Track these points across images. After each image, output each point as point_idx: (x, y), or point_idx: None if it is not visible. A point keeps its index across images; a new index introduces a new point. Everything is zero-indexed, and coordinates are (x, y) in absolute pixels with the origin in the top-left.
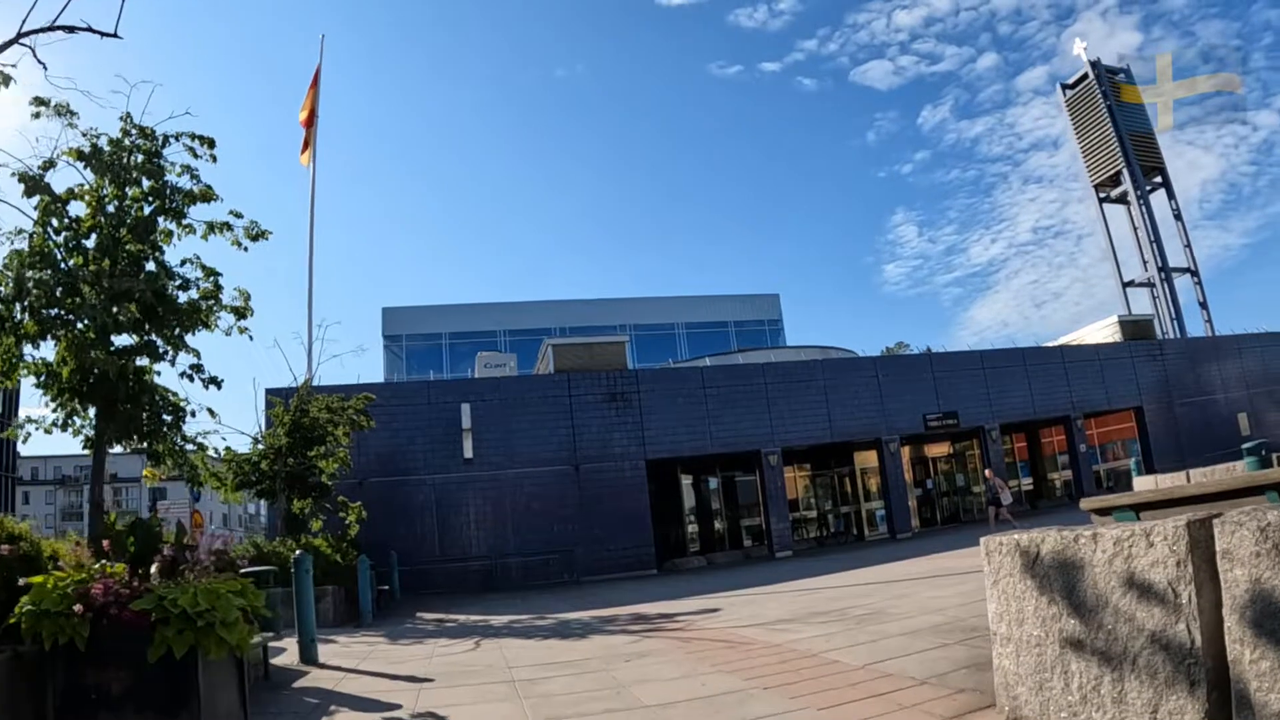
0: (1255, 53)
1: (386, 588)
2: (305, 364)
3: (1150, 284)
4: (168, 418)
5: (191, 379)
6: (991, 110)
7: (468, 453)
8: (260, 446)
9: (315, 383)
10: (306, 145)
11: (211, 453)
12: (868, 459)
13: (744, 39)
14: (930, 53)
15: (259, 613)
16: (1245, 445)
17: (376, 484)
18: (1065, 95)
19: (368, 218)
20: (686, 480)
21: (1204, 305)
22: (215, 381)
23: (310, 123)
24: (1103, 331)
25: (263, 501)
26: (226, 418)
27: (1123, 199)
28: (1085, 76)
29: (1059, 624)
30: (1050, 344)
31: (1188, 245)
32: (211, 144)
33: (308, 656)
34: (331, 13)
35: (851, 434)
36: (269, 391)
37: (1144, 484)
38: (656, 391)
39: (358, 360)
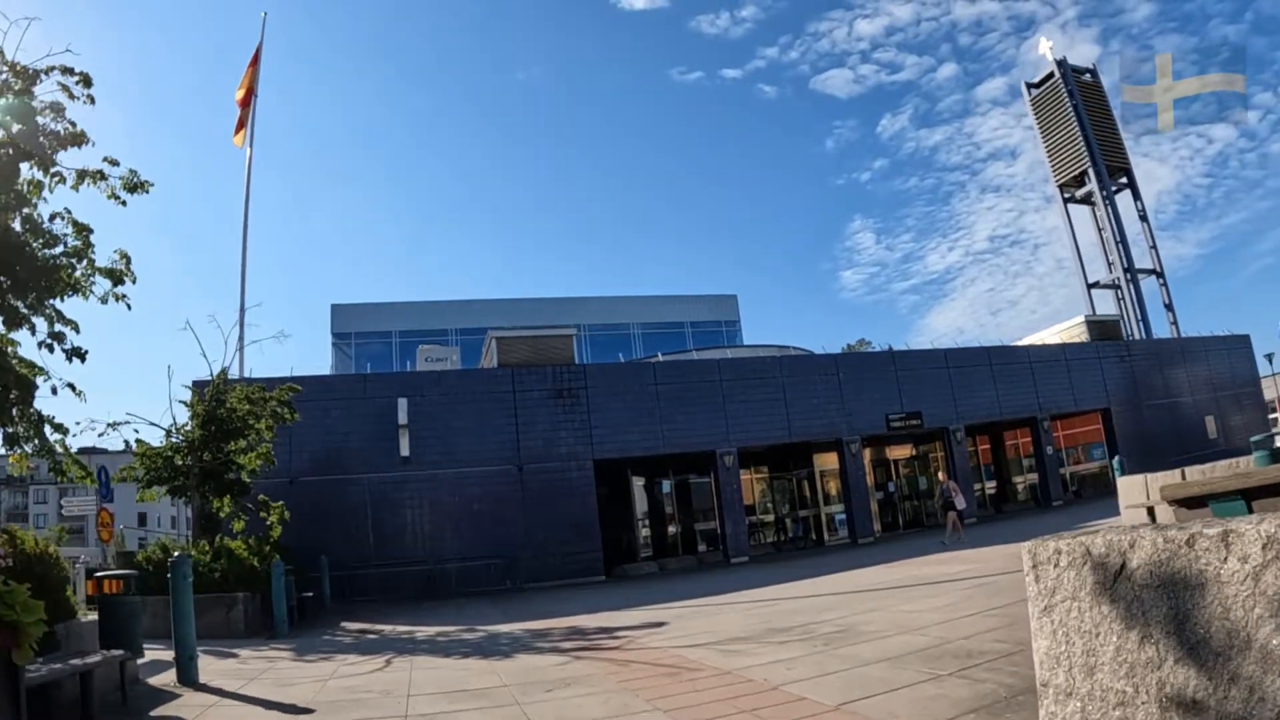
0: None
1: (311, 594)
2: (234, 352)
3: (1115, 285)
4: (15, 392)
5: (51, 349)
6: (950, 120)
7: (404, 451)
8: (174, 439)
9: (248, 376)
10: (241, 126)
11: (122, 444)
12: (828, 461)
13: (706, 45)
14: (891, 62)
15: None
16: (1253, 439)
17: (309, 484)
18: (1030, 94)
19: (319, 214)
20: (638, 482)
21: (1169, 307)
22: (79, 354)
23: (247, 102)
24: (1069, 332)
25: (180, 500)
26: (150, 410)
27: (1088, 199)
28: (1051, 75)
29: (1159, 673)
30: (1017, 343)
31: (1153, 246)
32: (88, 82)
33: (186, 677)
34: (285, 4)
35: (811, 434)
36: (196, 384)
37: (1130, 485)
38: (605, 388)
39: (295, 356)
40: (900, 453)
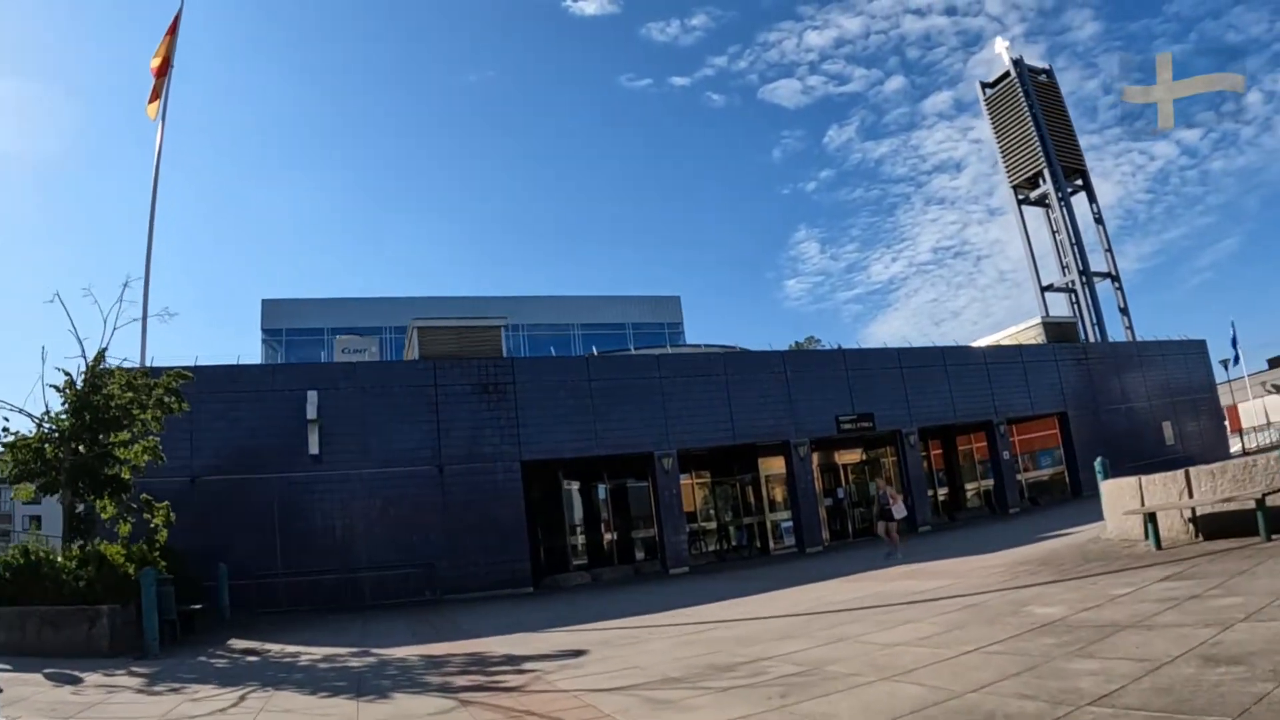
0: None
1: (200, 606)
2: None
3: (1069, 289)
4: None
5: None
6: (896, 132)
7: (313, 448)
8: (44, 428)
9: (150, 364)
10: (156, 96)
11: None
12: (774, 465)
13: (655, 53)
14: (839, 73)
15: None
16: None
17: (213, 483)
18: (985, 94)
19: (255, 208)
20: (571, 486)
21: (1125, 311)
22: None
23: (163, 72)
24: (1025, 334)
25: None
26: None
27: (1042, 201)
28: (1006, 75)
29: None
30: (973, 344)
31: (1109, 249)
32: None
33: None
34: None
35: (757, 436)
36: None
37: (1119, 489)
38: (535, 384)
39: (224, 352)
40: (850, 457)
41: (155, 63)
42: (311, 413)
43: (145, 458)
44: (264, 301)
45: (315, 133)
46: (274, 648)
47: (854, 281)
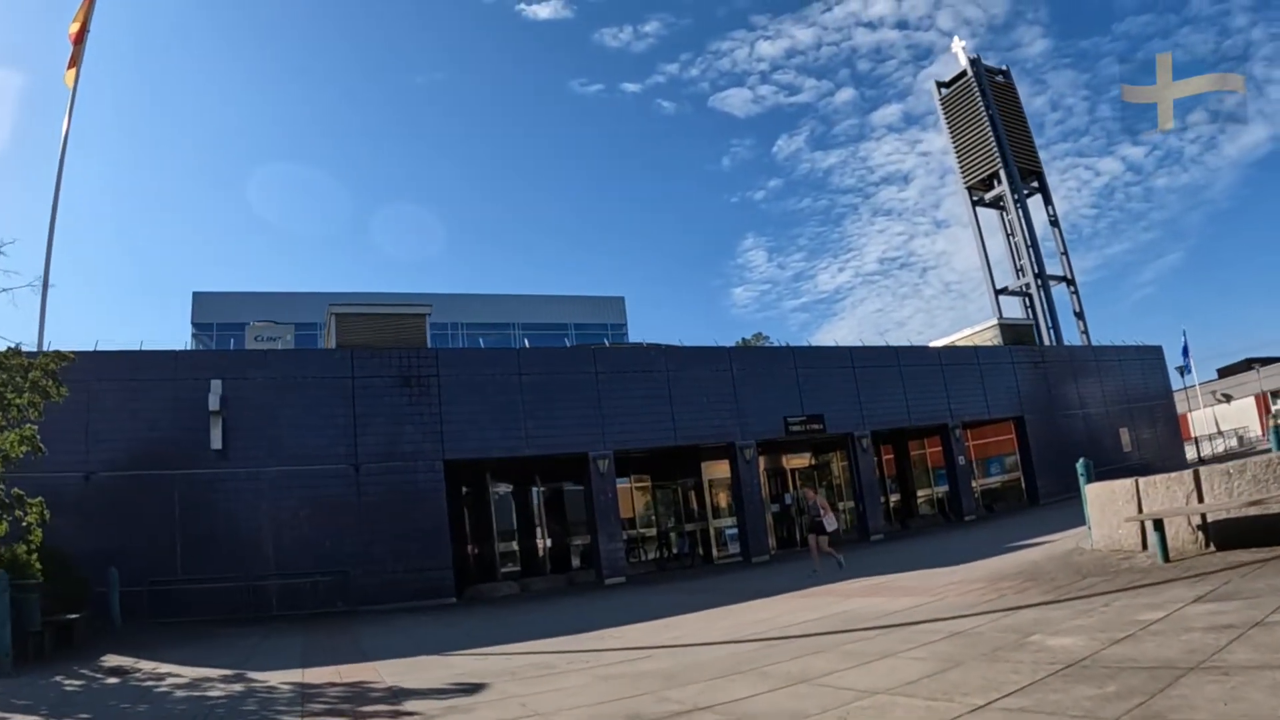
0: (1101, 105)
1: (77, 616)
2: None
3: (1024, 292)
4: None
5: None
6: (846, 143)
7: (215, 443)
8: None
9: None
10: (74, 62)
11: None
12: (718, 469)
13: (608, 58)
14: (790, 84)
15: None
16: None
17: (109, 480)
18: (940, 93)
19: (190, 200)
20: (500, 489)
21: (1080, 315)
22: None
23: (80, 39)
24: (981, 335)
25: None
26: None
27: (997, 203)
28: (963, 74)
29: None
30: (929, 344)
31: (1064, 252)
32: None
33: None
34: None
35: (700, 437)
36: None
37: (1111, 494)
38: (462, 377)
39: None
40: (799, 462)
41: (74, 28)
42: (214, 404)
43: (22, 448)
44: (195, 294)
45: (262, 132)
46: (147, 666)
47: (801, 290)
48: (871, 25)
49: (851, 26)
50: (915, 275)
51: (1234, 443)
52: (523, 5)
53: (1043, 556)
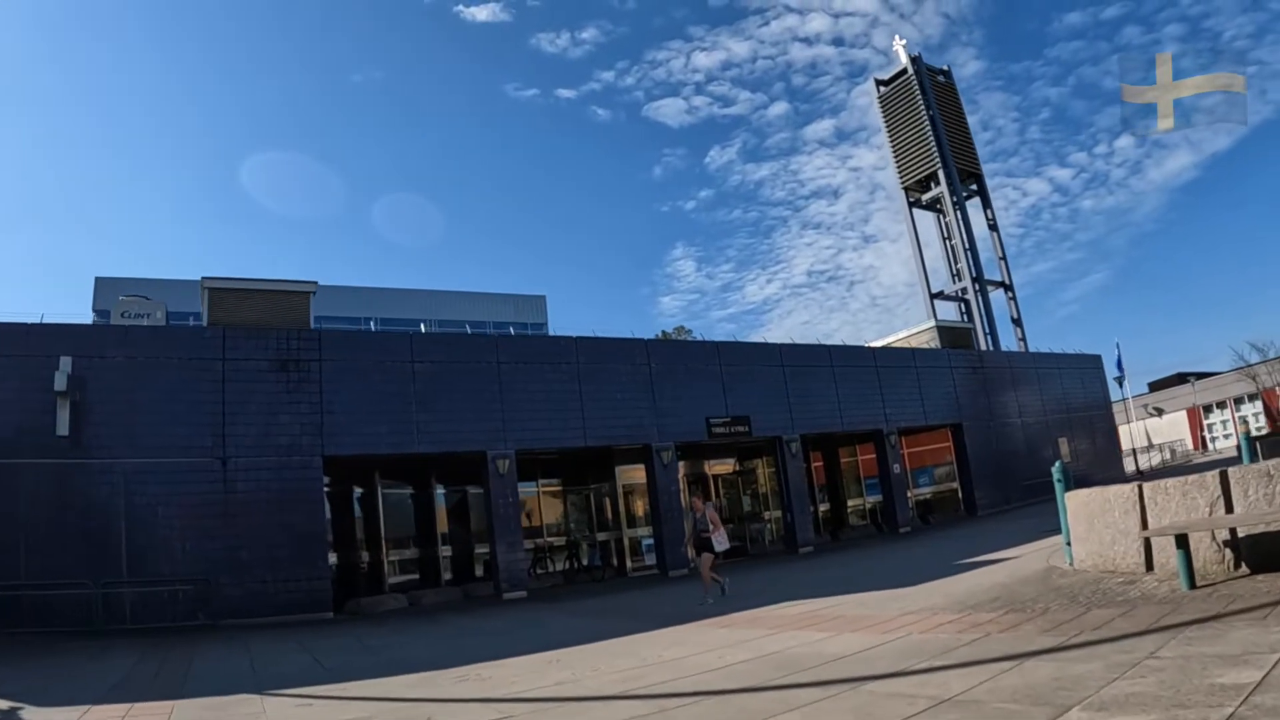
0: (1031, 126)
1: None
2: None
3: (960, 297)
4: None
5: None
6: (777, 156)
7: (62, 428)
8: None
9: None
10: None
11: None
12: (635, 473)
13: (544, 63)
14: (724, 95)
15: None
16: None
17: None
18: (879, 91)
19: (132, 198)
20: (394, 490)
21: (1018, 322)
22: None
23: None
24: (918, 338)
25: None
26: None
27: (934, 205)
28: (904, 72)
29: None
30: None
31: (1003, 258)
32: None
33: None
34: None
35: (613, 437)
36: None
37: (1103, 502)
38: (346, 363)
39: None
40: (722, 468)
41: None
42: (61, 383)
43: None
44: (97, 280)
45: (190, 127)
46: None
47: (728, 301)
48: (808, 41)
49: (788, 41)
50: (843, 289)
51: (1167, 456)
52: (461, 7)
53: (1011, 578)
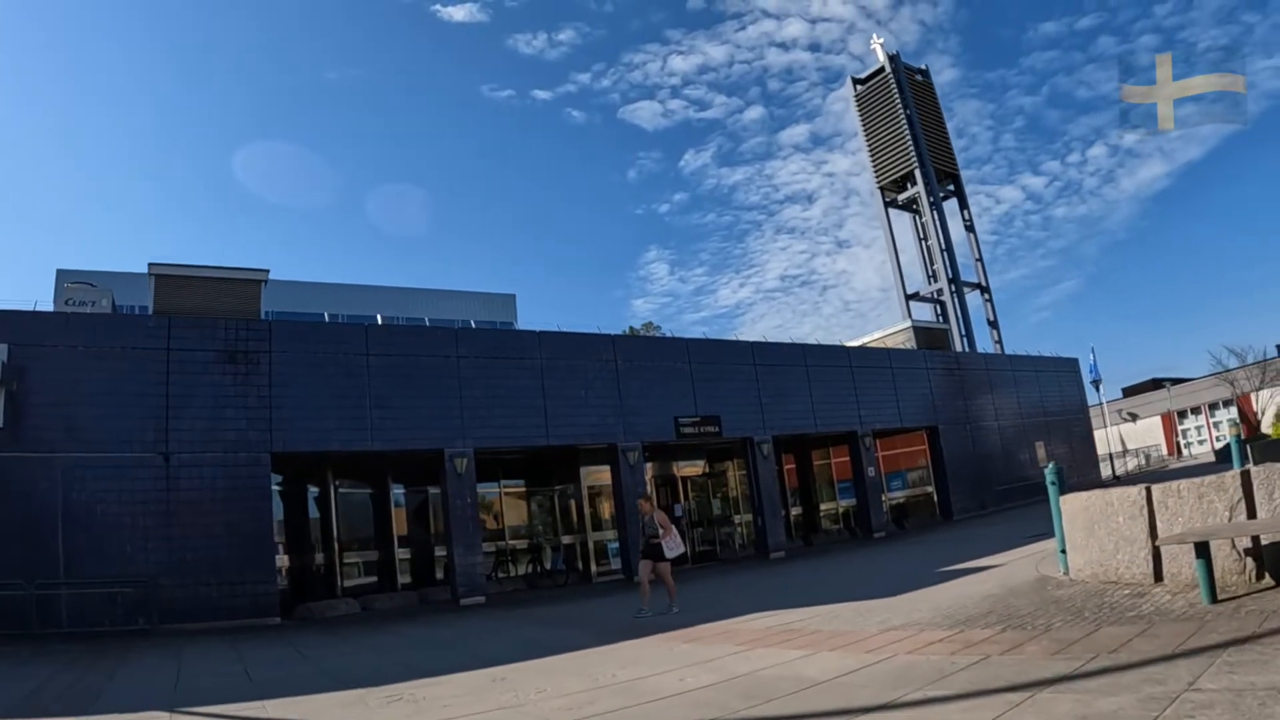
0: (1005, 134)
1: None
2: None
3: (936, 299)
4: None
5: None
6: (752, 161)
7: None
8: None
9: None
10: None
11: None
12: (600, 475)
13: (520, 64)
14: (700, 99)
15: None
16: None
17: None
18: (856, 90)
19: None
20: (349, 490)
21: (994, 324)
22: None
23: None
24: (894, 339)
25: None
26: None
27: (911, 205)
28: (881, 71)
29: None
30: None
31: (979, 259)
32: None
33: None
34: None
35: (578, 436)
36: None
37: (1096, 505)
38: (298, 355)
39: None
40: (692, 470)
41: None
42: None
43: None
44: (59, 271)
45: (165, 121)
46: None
47: (701, 304)
48: (784, 46)
49: (764, 46)
50: (815, 293)
51: (1141, 461)
52: (438, 6)
53: (1001, 588)
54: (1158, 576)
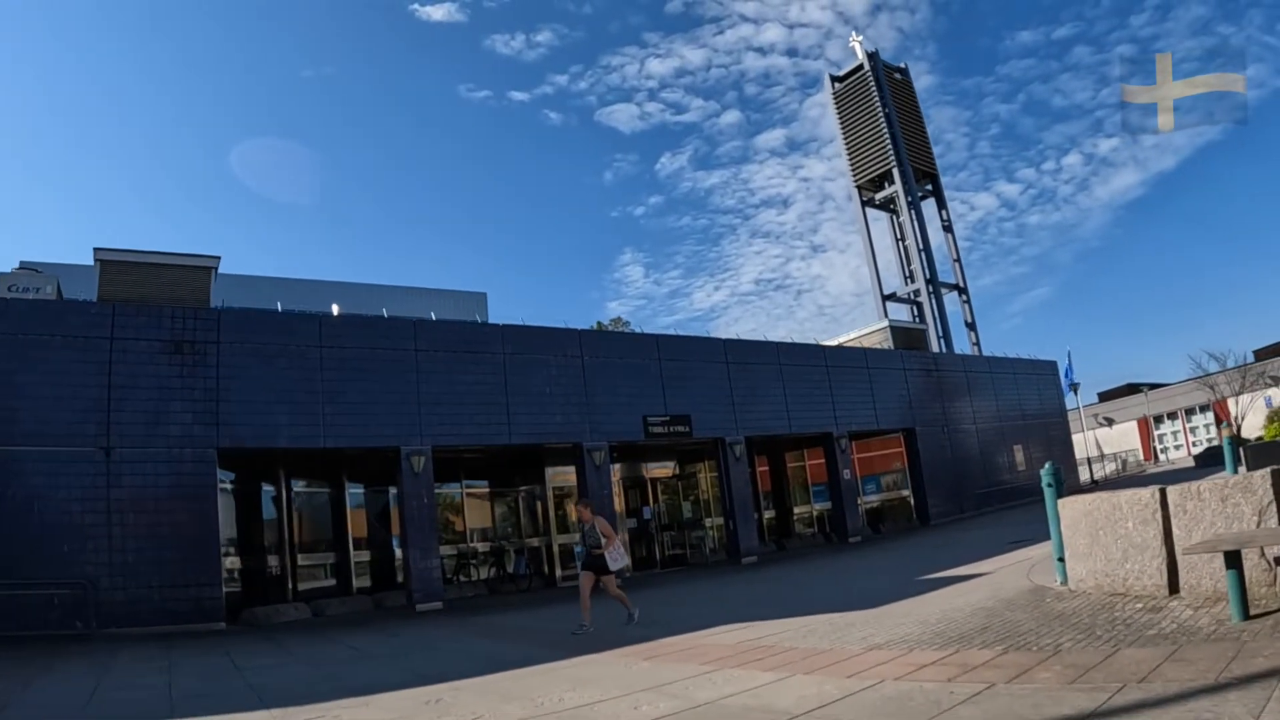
0: (981, 142)
1: None
2: None
3: (914, 299)
4: None
5: None
6: (728, 165)
7: None
8: None
9: None
10: None
11: None
12: (566, 476)
13: (498, 65)
14: (677, 102)
15: None
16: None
17: None
18: (834, 88)
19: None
20: (303, 489)
21: (972, 326)
22: None
23: None
24: (870, 339)
25: None
26: None
27: (888, 205)
28: (859, 69)
29: None
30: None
31: (957, 260)
32: None
33: None
34: None
35: (542, 435)
36: None
37: (1100, 510)
38: (247, 346)
39: None
40: (661, 472)
41: None
42: None
43: None
44: (21, 263)
45: (137, 118)
46: None
47: (676, 307)
48: (762, 51)
49: (742, 51)
50: (790, 297)
51: (1118, 466)
52: (416, 5)
53: (994, 599)
54: (1173, 588)
